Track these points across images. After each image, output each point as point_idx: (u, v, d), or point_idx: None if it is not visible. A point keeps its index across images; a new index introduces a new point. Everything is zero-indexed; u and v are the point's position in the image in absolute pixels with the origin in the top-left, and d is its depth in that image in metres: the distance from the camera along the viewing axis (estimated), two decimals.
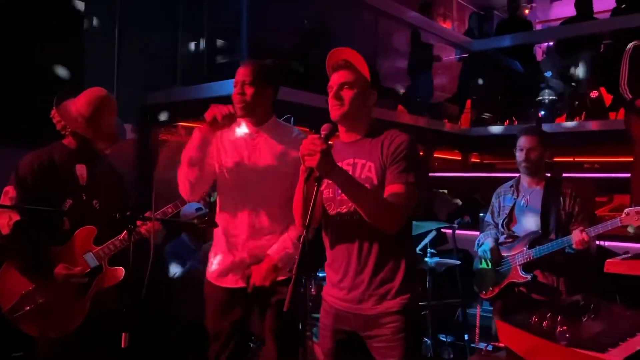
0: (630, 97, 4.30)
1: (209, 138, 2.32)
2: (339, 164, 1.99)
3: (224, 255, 2.46)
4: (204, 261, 2.63)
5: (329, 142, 1.83)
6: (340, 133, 2.10)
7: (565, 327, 1.70)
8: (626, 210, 2.79)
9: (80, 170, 2.56)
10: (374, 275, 1.99)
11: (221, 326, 2.44)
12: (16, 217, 2.36)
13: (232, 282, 2.43)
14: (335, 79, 2.03)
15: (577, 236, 2.80)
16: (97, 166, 2.63)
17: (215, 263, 2.49)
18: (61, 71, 3.80)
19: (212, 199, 2.82)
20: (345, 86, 2.00)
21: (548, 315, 1.80)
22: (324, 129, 1.86)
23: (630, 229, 2.96)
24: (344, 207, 2.02)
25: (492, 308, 3.38)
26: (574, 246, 2.82)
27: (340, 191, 1.99)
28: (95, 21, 4.46)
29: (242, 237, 2.41)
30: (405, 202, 1.93)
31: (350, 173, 1.98)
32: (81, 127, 2.51)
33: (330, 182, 2.03)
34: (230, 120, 2.28)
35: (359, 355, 2.04)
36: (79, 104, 2.54)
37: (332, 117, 2.00)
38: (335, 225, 2.06)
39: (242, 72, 2.35)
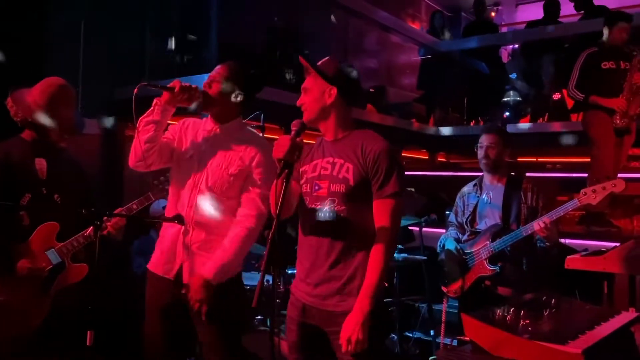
0: (582, 95, 4.48)
1: (166, 107, 2.34)
2: (319, 161, 2.09)
3: (160, 244, 2.43)
4: None
5: (300, 138, 1.92)
6: (322, 132, 2.17)
7: (527, 321, 1.75)
8: (583, 190, 2.88)
9: (40, 164, 2.49)
10: (340, 271, 2.02)
11: (152, 319, 2.42)
12: None
13: (162, 269, 2.38)
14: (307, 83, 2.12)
15: (538, 222, 2.86)
16: (57, 160, 2.56)
17: (155, 253, 2.45)
18: (24, 66, 3.69)
19: None
20: (305, 91, 2.10)
21: (512, 310, 1.85)
22: (294, 124, 1.96)
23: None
24: (319, 203, 2.05)
25: (457, 304, 3.44)
26: (536, 232, 2.87)
27: (317, 187, 2.05)
28: (61, 15, 4.34)
29: (187, 227, 2.34)
30: (395, 215, 2.00)
31: (329, 171, 2.05)
32: (35, 115, 2.45)
33: (309, 177, 2.10)
34: (189, 96, 2.30)
35: (324, 350, 2.05)
36: (34, 93, 2.49)
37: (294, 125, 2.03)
38: (308, 220, 2.09)
39: (217, 70, 2.40)
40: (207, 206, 2.34)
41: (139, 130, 2.33)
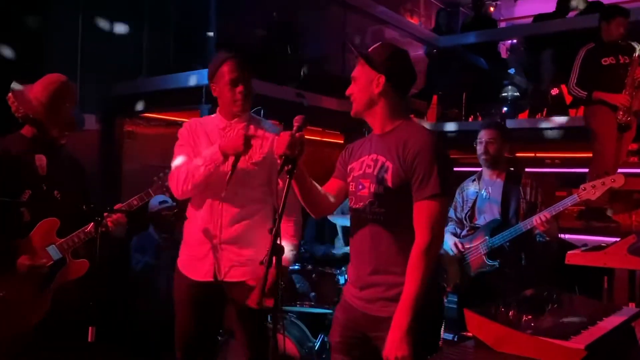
0: (585, 93, 4.47)
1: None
2: (365, 158, 2.01)
3: (195, 247, 2.44)
4: (158, 255, 2.62)
5: (301, 134, 1.84)
6: (370, 125, 2.08)
7: (530, 317, 1.75)
8: (582, 186, 2.89)
9: (40, 160, 2.48)
10: (382, 278, 1.94)
11: (187, 319, 2.44)
12: None
13: (199, 274, 2.42)
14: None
15: (538, 217, 2.87)
16: (57, 156, 2.56)
17: (186, 254, 2.49)
18: (23, 62, 3.68)
19: None
20: (353, 80, 2.01)
21: (514, 305, 1.85)
22: (297, 120, 1.89)
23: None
24: (361, 203, 1.99)
25: (456, 299, 3.44)
26: (536, 227, 2.88)
27: (361, 187, 1.99)
28: (59, 11, 4.32)
29: (215, 225, 2.39)
30: (436, 218, 1.87)
31: (372, 169, 1.96)
32: (37, 111, 2.44)
33: (355, 175, 2.03)
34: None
35: (367, 354, 2.00)
36: (36, 89, 2.47)
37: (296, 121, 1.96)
38: (354, 222, 2.04)
39: (234, 67, 2.37)
40: (234, 200, 2.36)
41: (195, 174, 2.30)
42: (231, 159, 2.27)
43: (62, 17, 4.38)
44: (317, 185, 2.04)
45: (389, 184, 1.91)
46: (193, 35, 4.90)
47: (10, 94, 2.45)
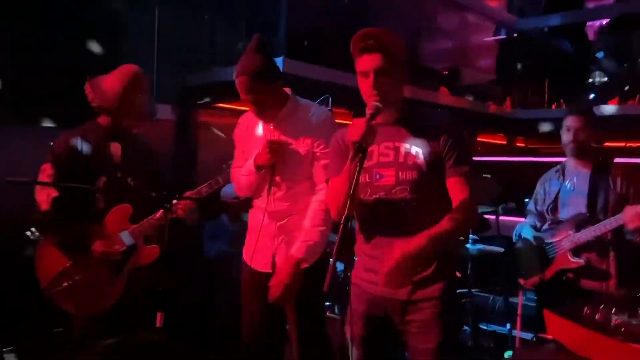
0: None
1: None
2: (374, 148, 1.95)
3: (250, 238, 2.49)
4: (233, 243, 2.67)
5: (375, 122, 1.82)
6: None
7: (620, 321, 1.59)
8: None
9: (115, 148, 2.56)
10: (412, 263, 1.88)
11: (252, 308, 2.46)
12: (54, 194, 2.38)
13: (259, 265, 2.44)
14: (368, 63, 1.91)
15: (630, 211, 2.61)
16: (132, 144, 2.62)
17: (248, 243, 2.52)
18: (101, 53, 3.82)
19: None
20: (382, 73, 1.90)
21: (601, 307, 1.69)
22: (370, 107, 1.86)
23: None
24: (382, 192, 1.94)
25: (535, 297, 3.24)
26: (626, 223, 2.62)
27: (378, 176, 1.94)
28: (135, 1, 4.47)
29: (269, 217, 2.41)
30: (474, 189, 1.90)
31: (392, 157, 1.93)
32: (111, 102, 2.51)
33: (365, 166, 1.95)
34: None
35: (392, 342, 1.98)
36: (110, 80, 2.54)
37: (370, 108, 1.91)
38: (372, 211, 1.98)
39: (239, 87, 2.30)
40: (282, 193, 2.38)
41: (240, 182, 2.46)
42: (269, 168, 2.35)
43: (139, 9, 4.52)
44: None
45: (423, 167, 1.90)
46: (264, 24, 4.92)
47: (87, 84, 2.53)
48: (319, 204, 2.31)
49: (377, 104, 1.86)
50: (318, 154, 2.32)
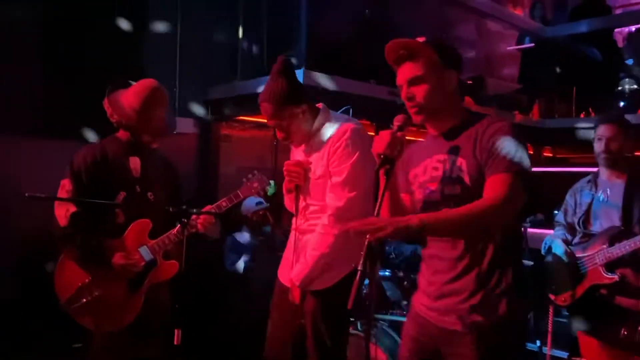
0: None
1: None
2: (428, 161, 1.87)
3: (287, 251, 2.55)
4: (254, 257, 2.73)
5: (402, 134, 1.75)
6: (428, 127, 1.93)
7: None
8: None
9: (134, 162, 2.55)
10: (462, 284, 1.78)
11: (274, 321, 2.52)
12: (73, 209, 2.37)
13: (284, 279, 2.50)
14: (401, 75, 1.85)
15: None
16: (151, 159, 2.61)
17: (283, 258, 2.59)
18: (122, 66, 3.84)
19: (269, 193, 2.76)
20: (415, 82, 1.81)
21: (639, 327, 1.58)
22: (397, 119, 1.78)
23: None
24: (432, 209, 1.82)
25: (566, 313, 3.11)
26: None
27: (429, 192, 1.87)
28: (156, 15, 4.50)
29: (297, 233, 2.48)
30: (508, 188, 1.67)
31: (440, 171, 1.82)
32: (130, 118, 2.50)
33: (420, 181, 1.91)
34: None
35: None
36: (129, 95, 2.53)
37: (414, 121, 1.84)
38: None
39: (264, 112, 2.38)
40: (307, 213, 2.44)
41: None
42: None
43: (160, 22, 4.55)
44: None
45: (466, 180, 1.75)
46: (285, 37, 4.90)
47: (105, 100, 2.53)
48: (321, 227, 2.31)
49: (406, 115, 1.80)
50: (331, 171, 2.31)
